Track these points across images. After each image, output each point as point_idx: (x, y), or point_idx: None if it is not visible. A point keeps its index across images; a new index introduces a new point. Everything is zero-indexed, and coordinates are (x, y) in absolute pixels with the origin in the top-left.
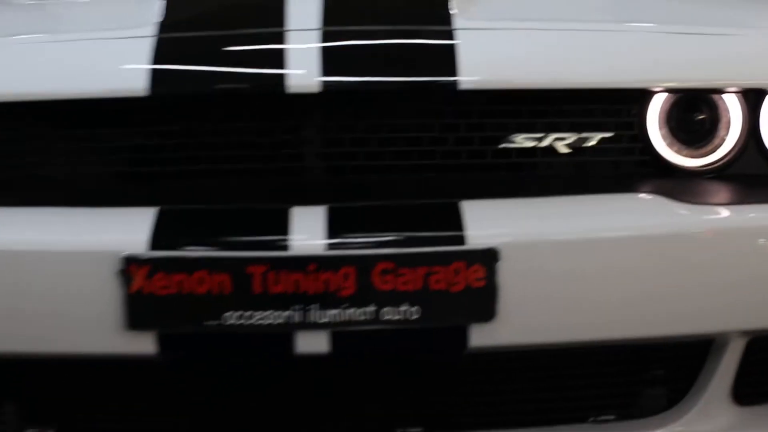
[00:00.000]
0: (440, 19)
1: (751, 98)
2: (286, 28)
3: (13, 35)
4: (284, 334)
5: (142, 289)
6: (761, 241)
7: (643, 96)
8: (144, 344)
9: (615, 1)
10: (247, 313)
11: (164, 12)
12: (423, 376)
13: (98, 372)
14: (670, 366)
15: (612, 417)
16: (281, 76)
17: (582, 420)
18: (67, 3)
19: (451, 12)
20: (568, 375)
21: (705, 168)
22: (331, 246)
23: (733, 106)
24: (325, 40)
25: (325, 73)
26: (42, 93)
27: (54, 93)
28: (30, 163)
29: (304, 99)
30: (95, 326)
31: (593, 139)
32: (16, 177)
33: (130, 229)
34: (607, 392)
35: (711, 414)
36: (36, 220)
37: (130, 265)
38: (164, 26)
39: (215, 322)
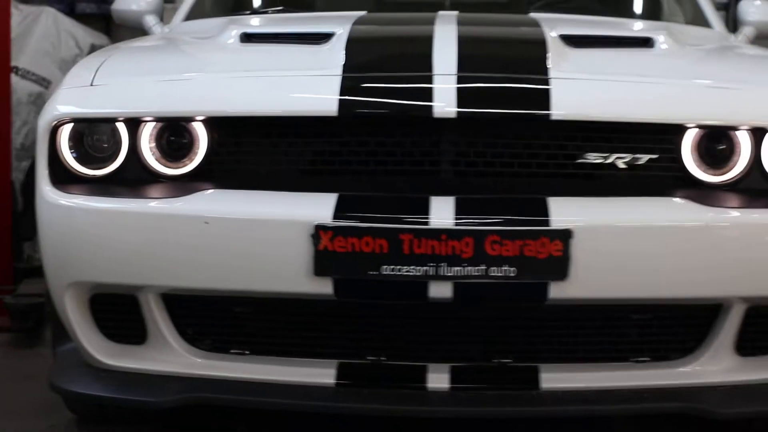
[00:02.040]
0: (540, 71)
1: (756, 134)
2: (433, 72)
3: (233, 70)
4: (421, 283)
5: (327, 247)
6: (756, 232)
7: (681, 130)
8: (325, 287)
9: (660, 60)
10: (398, 267)
11: (345, 58)
12: (515, 320)
13: (287, 308)
14: (690, 323)
15: (647, 359)
16: (430, 106)
17: (625, 360)
18: (275, 49)
19: (548, 66)
20: (616, 326)
21: (722, 182)
22: (457, 223)
23: (744, 140)
24: (459, 82)
25: (459, 105)
26: (263, 111)
27: (272, 111)
28: (252, 159)
29: (444, 122)
30: (293, 273)
31: (643, 159)
32: (242, 169)
33: (320, 206)
34: (644, 341)
35: (718, 360)
36: (257, 199)
37: (319, 230)
38: (346, 68)
39: (375, 273)
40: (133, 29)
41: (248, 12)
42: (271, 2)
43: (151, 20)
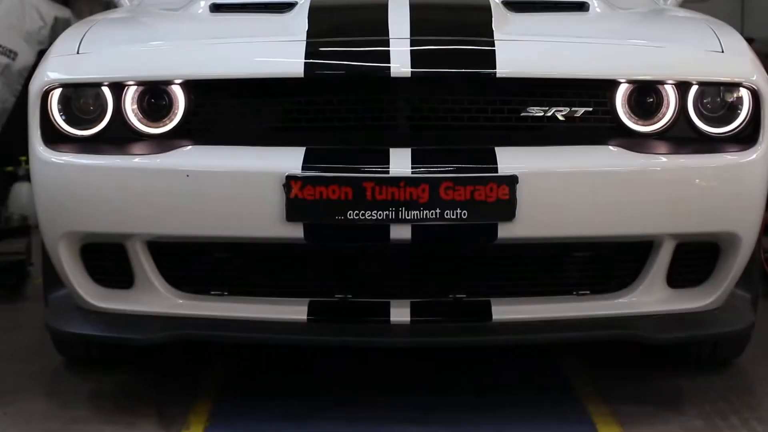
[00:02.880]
0: (485, 33)
1: (681, 88)
2: (389, 36)
3: (207, 38)
4: (383, 227)
5: (297, 196)
6: (683, 176)
7: (613, 85)
8: (296, 231)
9: (594, 23)
10: (361, 212)
11: (309, 25)
12: (468, 259)
13: (261, 252)
14: (626, 259)
15: (587, 292)
16: (387, 67)
17: (568, 293)
18: (243, 18)
19: (492, 29)
20: (559, 262)
21: (651, 132)
22: (414, 171)
23: (670, 93)
24: (412, 45)
25: (413, 66)
26: (236, 74)
27: (245, 74)
28: (227, 118)
29: (399, 81)
30: (267, 219)
31: (580, 111)
32: (217, 127)
33: (290, 159)
34: (585, 275)
35: (652, 291)
36: (232, 154)
37: (290, 180)
38: (310, 34)
39: (341, 218)
40: (91, 1)
41: None
42: None
43: None
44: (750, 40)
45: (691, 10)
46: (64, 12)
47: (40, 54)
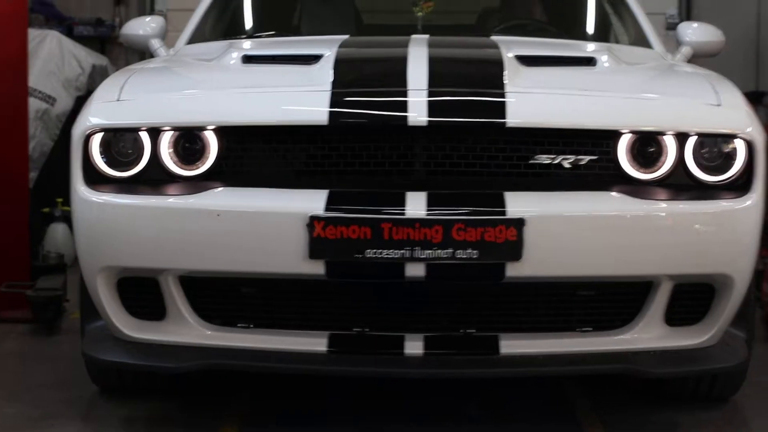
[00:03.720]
0: (498, 86)
1: (680, 138)
2: (408, 88)
3: (239, 87)
4: (399, 264)
5: (320, 235)
6: (680, 221)
7: (616, 135)
8: (318, 268)
9: (600, 76)
10: (379, 251)
11: (334, 76)
12: (478, 296)
13: (285, 287)
14: (626, 298)
15: (590, 328)
16: (405, 116)
17: (572, 329)
18: (273, 69)
19: (504, 82)
20: (563, 300)
21: (652, 179)
22: (429, 213)
23: (670, 143)
24: (429, 96)
25: (429, 115)
26: (266, 121)
27: (273, 121)
28: (256, 162)
29: (416, 129)
30: (291, 256)
31: (585, 159)
32: (247, 170)
33: (313, 200)
34: (588, 313)
35: (651, 329)
36: (260, 195)
37: (313, 220)
38: (335, 84)
39: (360, 256)
40: (126, 50)
41: (244, 36)
42: (262, 27)
43: (156, 43)
44: (763, 93)
45: (700, 65)
46: (101, 60)
47: (78, 100)
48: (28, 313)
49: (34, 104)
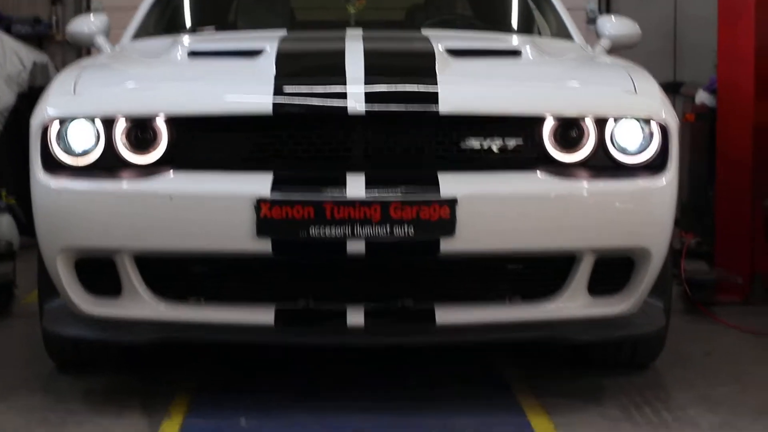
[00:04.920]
0: (430, 76)
1: (599, 123)
2: (347, 79)
3: (187, 79)
4: (341, 242)
5: (266, 215)
6: (601, 199)
7: (540, 120)
8: (265, 246)
9: (526, 67)
10: (322, 229)
11: (276, 69)
12: (415, 270)
13: (234, 264)
14: (552, 270)
15: (519, 299)
16: (344, 107)
17: (502, 300)
18: (218, 62)
19: (436, 72)
20: (494, 273)
21: (575, 161)
22: (368, 194)
23: (590, 127)
24: (366, 86)
25: (367, 104)
26: (213, 111)
27: (220, 111)
28: (205, 149)
29: (355, 118)
30: (240, 235)
31: (512, 143)
32: (196, 156)
33: (260, 183)
34: (517, 284)
35: (575, 299)
36: (210, 179)
37: (260, 202)
38: (277, 77)
39: (305, 234)
40: (64, 47)
41: (185, 31)
42: (201, 22)
43: (101, 40)
44: (680, 84)
45: (622, 57)
46: (42, 57)
47: (20, 96)
48: None
49: None
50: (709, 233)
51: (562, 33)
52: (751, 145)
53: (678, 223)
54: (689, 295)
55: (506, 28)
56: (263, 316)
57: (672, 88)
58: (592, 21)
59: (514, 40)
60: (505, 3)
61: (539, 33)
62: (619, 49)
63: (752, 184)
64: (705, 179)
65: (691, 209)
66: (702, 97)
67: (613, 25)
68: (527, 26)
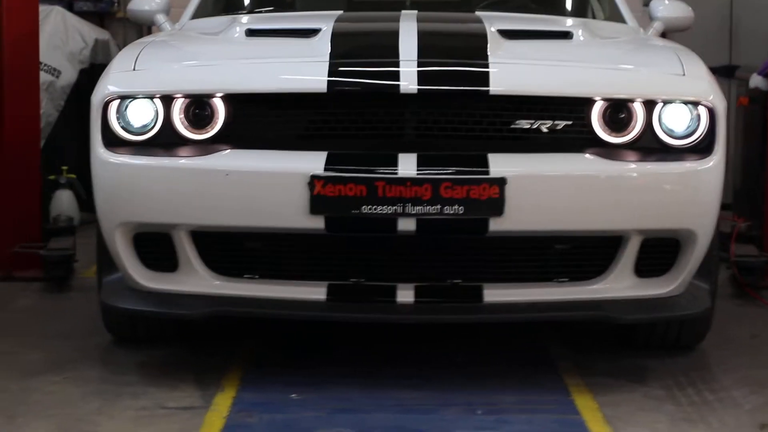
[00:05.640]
0: (481, 57)
1: (648, 105)
2: (399, 59)
3: (244, 58)
4: (392, 219)
5: (319, 193)
6: (648, 181)
7: (590, 102)
8: (318, 223)
9: (576, 49)
10: (374, 207)
11: (331, 48)
12: (464, 249)
13: (288, 240)
14: (599, 251)
15: (566, 279)
16: (397, 85)
17: (549, 280)
18: (274, 41)
19: (488, 53)
20: (542, 253)
21: (623, 143)
22: (419, 173)
23: (639, 110)
24: (419, 66)
25: (419, 83)
26: (269, 89)
27: (276, 89)
28: (261, 126)
29: (407, 97)
30: (294, 212)
31: (561, 124)
32: (252, 134)
33: (314, 161)
34: (564, 264)
35: (621, 279)
36: (265, 156)
37: (314, 179)
38: (332, 56)
39: (357, 212)
40: (125, 25)
41: (244, 11)
42: (260, 3)
43: (161, 18)
44: (735, 67)
45: (677, 40)
46: (103, 34)
47: (82, 73)
48: (41, 272)
49: (41, 77)
50: (761, 217)
51: (615, 16)
52: None
53: (731, 207)
54: (738, 278)
55: (560, 10)
56: (316, 292)
57: (727, 72)
58: (647, 4)
59: (566, 23)
60: None
61: (593, 16)
62: (672, 31)
63: None
64: (758, 163)
65: (745, 193)
66: (755, 80)
67: (666, 8)
68: (581, 9)
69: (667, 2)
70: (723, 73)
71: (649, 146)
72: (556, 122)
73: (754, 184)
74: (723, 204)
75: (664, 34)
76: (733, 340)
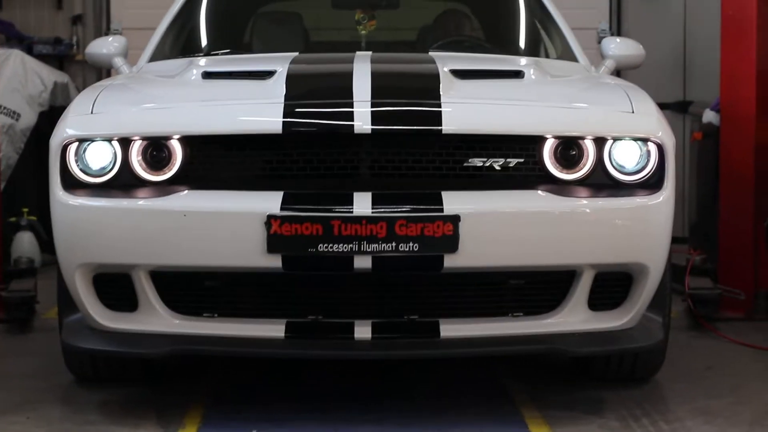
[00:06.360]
0: (434, 97)
1: (598, 142)
2: (353, 99)
3: (200, 100)
4: (348, 257)
5: (276, 232)
6: (600, 216)
7: (541, 140)
8: (275, 261)
9: (527, 88)
10: (330, 245)
11: (286, 90)
12: (419, 285)
13: (245, 279)
14: (553, 286)
15: (521, 313)
16: (351, 125)
17: (505, 314)
18: (230, 83)
19: (440, 93)
20: (496, 288)
21: (574, 179)
22: (374, 211)
23: (589, 147)
24: (372, 106)
25: (373, 124)
26: (225, 130)
27: (232, 130)
28: (217, 167)
29: (362, 137)
30: (251, 251)
31: (513, 161)
32: (210, 175)
33: (270, 201)
34: (518, 299)
35: (575, 313)
36: (222, 197)
37: (270, 219)
38: (287, 97)
39: (313, 250)
40: (84, 67)
41: (201, 54)
42: (217, 45)
43: (119, 61)
44: (689, 103)
45: (631, 77)
46: (62, 77)
47: (41, 115)
48: (2, 313)
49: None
50: (715, 250)
51: (567, 54)
52: (753, 163)
53: (686, 240)
54: (693, 310)
55: (513, 49)
56: (274, 329)
57: (681, 108)
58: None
59: (518, 62)
60: (513, 25)
61: (546, 54)
62: (624, 69)
63: (755, 202)
64: (712, 197)
65: (699, 227)
66: (709, 116)
67: (617, 46)
68: (534, 48)
69: (618, 41)
70: (677, 108)
71: (601, 182)
72: (509, 160)
73: (708, 217)
74: (678, 237)
75: (618, 72)
76: (688, 371)
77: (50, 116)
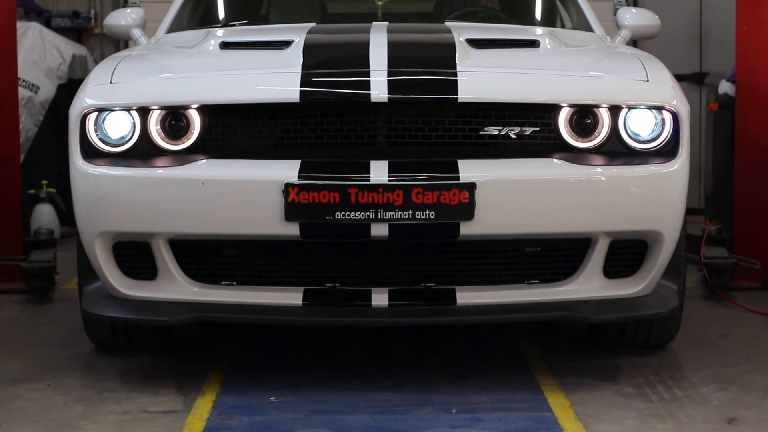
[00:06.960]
0: (450, 66)
1: (613, 111)
2: (370, 68)
3: (218, 70)
4: (365, 225)
5: (294, 200)
6: (615, 184)
7: (556, 108)
8: (293, 229)
9: (542, 57)
10: (347, 213)
11: (303, 59)
12: (436, 253)
13: (264, 247)
14: (568, 253)
15: (536, 281)
16: (368, 94)
17: (520, 282)
18: (248, 53)
19: (456, 62)
20: (512, 255)
21: (589, 147)
22: (390, 179)
23: (604, 115)
24: (389, 75)
25: (389, 92)
26: (243, 99)
27: (250, 99)
28: (235, 136)
29: (378, 105)
30: (269, 220)
31: (529, 130)
32: (227, 144)
33: (288, 170)
34: (534, 266)
35: (590, 280)
36: (240, 165)
37: (288, 187)
38: (304, 66)
39: (330, 218)
40: (102, 40)
41: (218, 25)
42: (234, 17)
43: (137, 33)
44: (705, 74)
45: (648, 48)
46: (80, 50)
47: (60, 88)
48: (22, 284)
49: (19, 92)
50: (731, 220)
51: (583, 24)
52: None
53: (702, 212)
54: (708, 280)
55: (529, 20)
56: (292, 297)
57: (697, 79)
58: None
59: (534, 32)
60: None
61: (562, 24)
62: (640, 39)
63: None
64: (728, 168)
65: (715, 197)
66: (724, 87)
67: (633, 16)
68: (549, 18)
69: (634, 11)
70: (693, 79)
71: (616, 150)
72: (524, 128)
73: (724, 187)
74: (694, 209)
75: (634, 43)
76: (703, 339)
77: (69, 89)
